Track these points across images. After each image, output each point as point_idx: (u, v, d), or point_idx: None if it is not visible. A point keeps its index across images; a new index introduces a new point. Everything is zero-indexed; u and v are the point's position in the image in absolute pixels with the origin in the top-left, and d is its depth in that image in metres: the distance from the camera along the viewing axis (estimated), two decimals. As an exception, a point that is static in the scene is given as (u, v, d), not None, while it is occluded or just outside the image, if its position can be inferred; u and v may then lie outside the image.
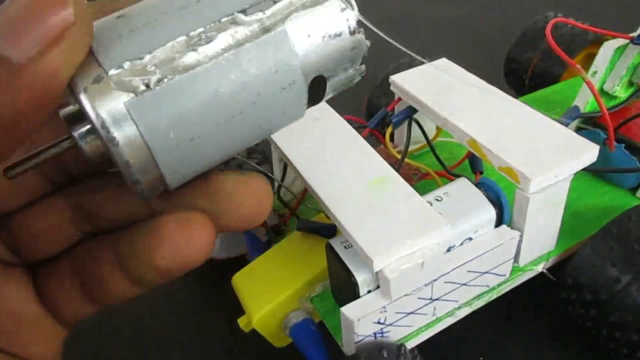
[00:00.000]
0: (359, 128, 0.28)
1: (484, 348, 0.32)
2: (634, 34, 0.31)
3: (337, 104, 0.31)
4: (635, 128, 0.32)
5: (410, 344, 0.25)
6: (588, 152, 0.24)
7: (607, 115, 0.28)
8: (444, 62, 0.31)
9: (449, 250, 0.24)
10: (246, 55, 0.13)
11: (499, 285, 0.27)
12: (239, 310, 0.28)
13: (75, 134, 0.13)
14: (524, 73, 0.47)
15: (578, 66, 0.27)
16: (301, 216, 0.30)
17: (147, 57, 0.13)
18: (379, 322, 0.23)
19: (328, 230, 0.28)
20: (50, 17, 0.12)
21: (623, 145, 0.31)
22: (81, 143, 0.13)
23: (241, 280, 0.29)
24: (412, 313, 0.24)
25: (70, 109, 0.14)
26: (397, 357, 0.23)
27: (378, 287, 0.23)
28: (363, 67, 0.15)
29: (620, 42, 0.31)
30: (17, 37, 0.12)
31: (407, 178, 0.33)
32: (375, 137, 0.34)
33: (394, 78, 0.30)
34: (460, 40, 0.64)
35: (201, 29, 0.13)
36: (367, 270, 0.23)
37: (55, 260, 0.17)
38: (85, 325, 0.36)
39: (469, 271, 0.25)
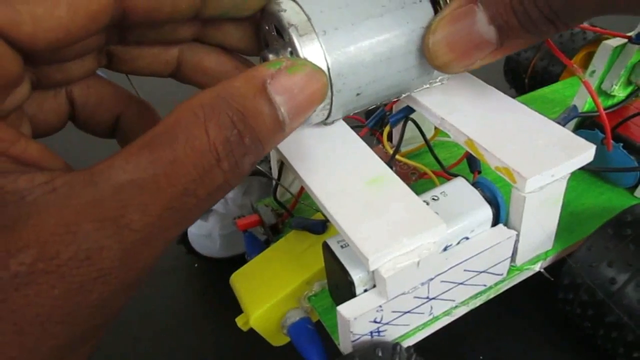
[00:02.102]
0: (356, 127, 0.28)
1: (482, 347, 0.32)
2: (632, 33, 0.31)
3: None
4: (634, 127, 0.32)
5: (407, 343, 0.25)
6: (585, 152, 0.24)
7: (604, 115, 0.28)
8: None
9: (445, 249, 0.25)
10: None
11: (496, 284, 0.27)
12: (237, 309, 0.28)
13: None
14: (524, 72, 0.47)
15: (575, 66, 0.27)
16: (297, 215, 0.30)
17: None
18: (375, 321, 0.23)
19: (318, 226, 0.28)
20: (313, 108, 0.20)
21: (621, 144, 0.31)
22: None
23: (239, 280, 0.29)
24: (408, 312, 0.24)
25: (271, 51, 0.23)
26: (392, 355, 0.23)
27: (374, 286, 0.23)
28: None
29: (618, 41, 0.31)
30: (300, 115, 0.20)
31: (405, 177, 0.33)
32: (375, 137, 0.34)
33: (392, 77, 0.30)
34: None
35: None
36: (363, 269, 0.23)
37: None
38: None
39: (465, 270, 0.25)
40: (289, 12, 0.22)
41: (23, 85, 0.21)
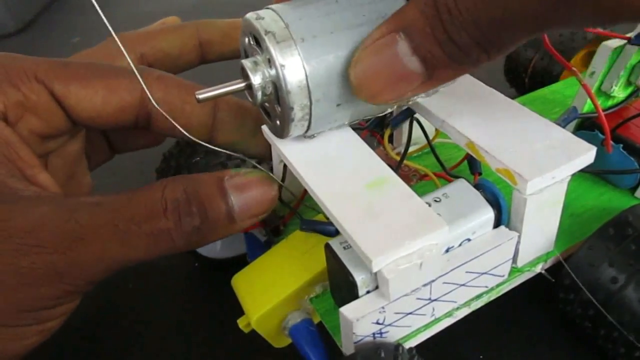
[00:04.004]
0: (357, 129, 0.28)
1: (483, 347, 0.32)
2: (631, 34, 0.31)
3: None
4: (634, 128, 0.32)
5: (409, 344, 0.25)
6: (585, 154, 0.24)
7: (603, 117, 0.28)
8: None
9: (447, 251, 0.25)
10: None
11: (497, 286, 0.27)
12: (239, 311, 0.28)
13: (252, 78, 0.22)
14: (524, 72, 0.47)
15: (574, 68, 0.27)
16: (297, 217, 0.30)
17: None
18: (377, 323, 0.23)
19: (331, 228, 0.28)
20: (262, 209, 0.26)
21: (621, 145, 0.31)
22: (255, 83, 0.22)
23: (241, 281, 0.29)
24: (411, 313, 0.24)
25: (249, 60, 0.22)
26: (394, 357, 0.23)
27: (377, 287, 0.23)
28: None
29: (617, 42, 0.31)
30: (249, 206, 0.25)
31: (406, 179, 0.33)
32: (375, 139, 0.34)
33: (392, 79, 0.30)
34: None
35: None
36: (366, 270, 0.23)
37: None
38: (84, 320, 0.37)
39: (467, 272, 0.25)
40: (267, 20, 0.21)
41: (78, 137, 0.31)
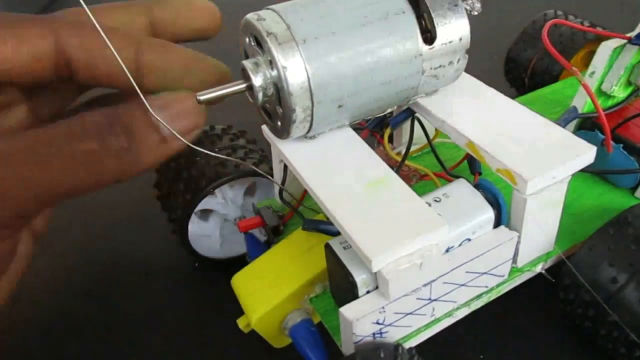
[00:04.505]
0: (357, 129, 0.28)
1: (483, 347, 0.32)
2: (632, 34, 0.31)
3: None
4: (634, 128, 0.32)
5: (409, 344, 0.25)
6: (585, 154, 0.24)
7: (603, 117, 0.28)
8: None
9: (447, 251, 0.25)
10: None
11: (497, 285, 0.27)
12: (239, 311, 0.28)
13: (253, 79, 0.22)
14: (524, 72, 0.47)
15: (574, 68, 0.27)
16: (297, 216, 0.30)
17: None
18: (377, 323, 0.23)
19: (333, 228, 0.28)
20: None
21: (621, 145, 0.31)
22: (256, 85, 0.22)
23: (241, 281, 0.29)
24: (410, 313, 0.24)
25: (250, 61, 0.22)
26: (394, 357, 0.23)
27: (377, 287, 0.23)
28: None
29: (618, 42, 0.31)
30: (177, 121, 0.23)
31: (406, 179, 0.33)
32: (375, 139, 0.34)
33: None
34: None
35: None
36: (366, 270, 0.23)
37: None
38: (85, 319, 0.37)
39: (467, 272, 0.25)
40: (268, 21, 0.21)
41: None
